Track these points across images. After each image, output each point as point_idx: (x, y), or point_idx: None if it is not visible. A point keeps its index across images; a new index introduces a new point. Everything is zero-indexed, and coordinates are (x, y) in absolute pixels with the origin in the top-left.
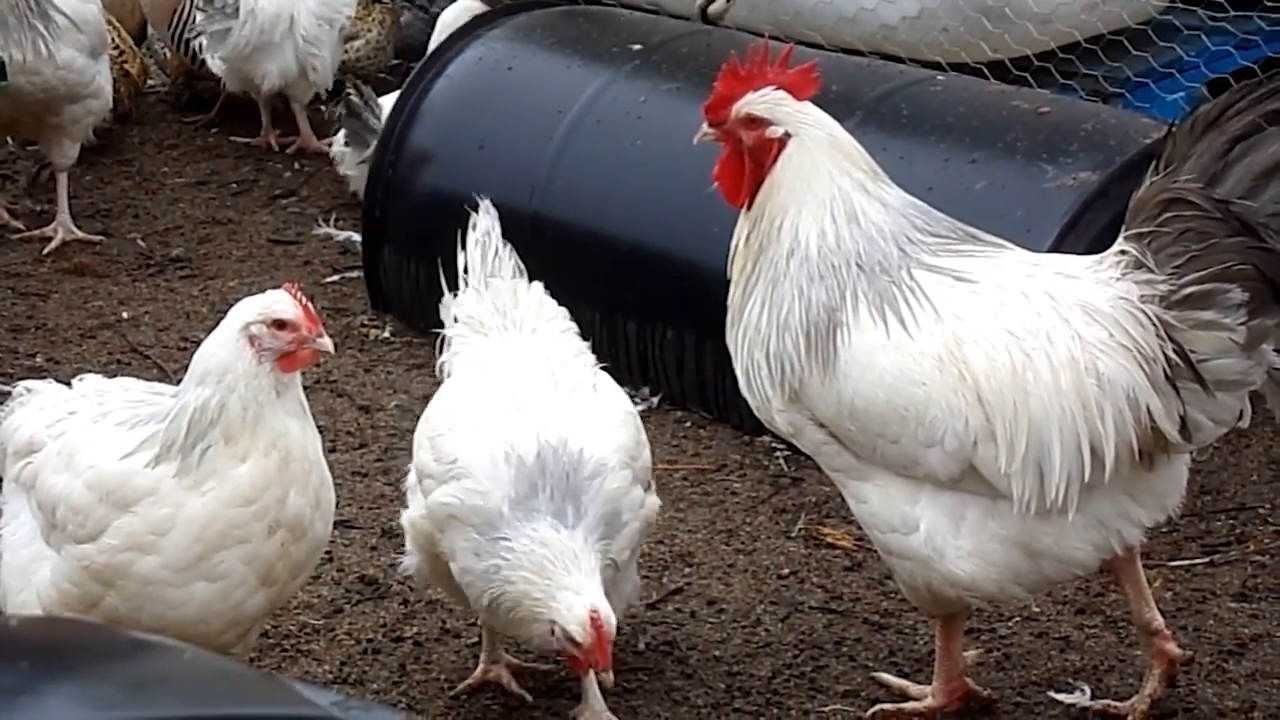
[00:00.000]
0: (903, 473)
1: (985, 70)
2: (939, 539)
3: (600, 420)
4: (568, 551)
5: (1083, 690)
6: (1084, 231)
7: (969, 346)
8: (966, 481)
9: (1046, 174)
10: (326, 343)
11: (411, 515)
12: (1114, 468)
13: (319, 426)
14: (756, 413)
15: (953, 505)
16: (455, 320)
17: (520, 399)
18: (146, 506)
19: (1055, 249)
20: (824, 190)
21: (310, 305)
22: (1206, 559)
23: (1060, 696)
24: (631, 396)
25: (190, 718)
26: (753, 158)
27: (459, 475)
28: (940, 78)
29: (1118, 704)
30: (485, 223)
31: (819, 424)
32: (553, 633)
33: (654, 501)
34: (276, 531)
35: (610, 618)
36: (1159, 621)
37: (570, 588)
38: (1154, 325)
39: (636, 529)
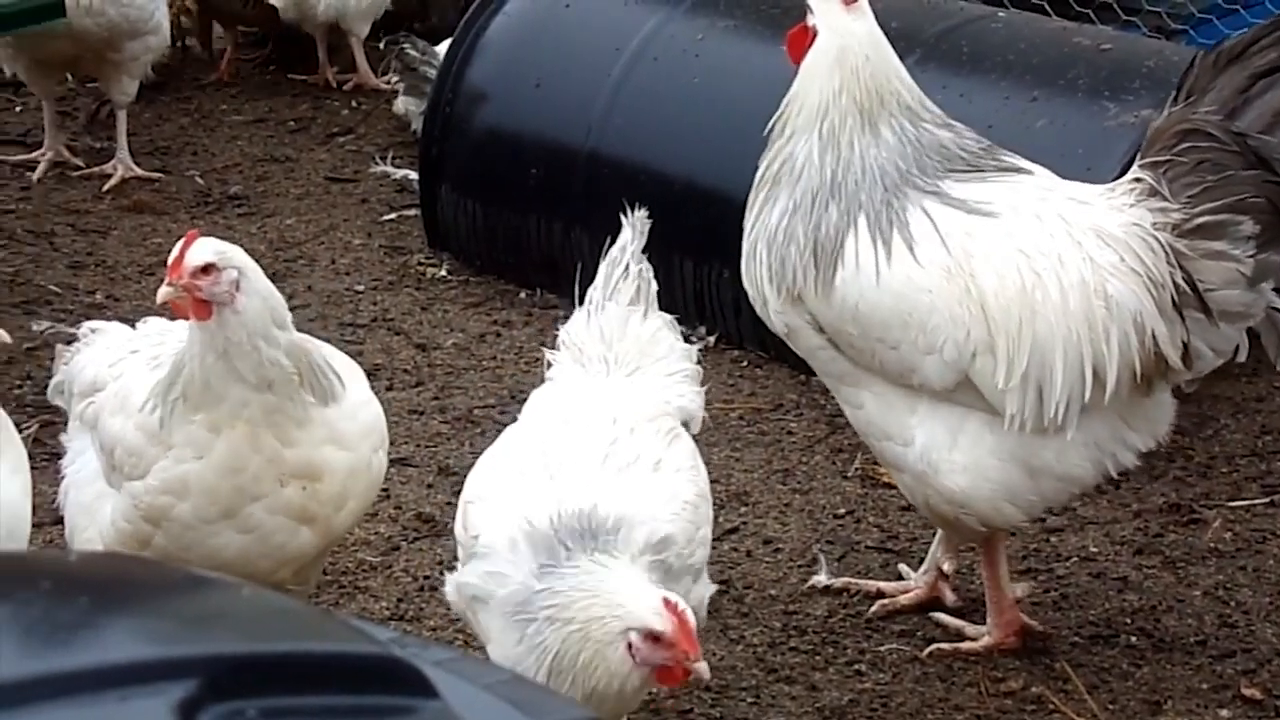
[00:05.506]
0: (898, 381)
1: (1047, 7)
2: (934, 454)
3: (645, 505)
4: (615, 569)
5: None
6: None
7: (978, 260)
8: (960, 393)
9: (1108, 111)
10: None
11: (449, 583)
12: (1115, 390)
13: (375, 364)
14: (756, 309)
15: (950, 418)
16: (562, 344)
17: (557, 467)
18: (180, 449)
19: None
20: (828, 104)
21: None
22: (1267, 499)
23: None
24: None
25: (247, 653)
26: (794, 42)
27: (480, 554)
28: (1001, 14)
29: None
30: (626, 236)
31: (818, 328)
32: (630, 648)
33: (703, 590)
34: (288, 483)
35: (682, 601)
36: (948, 566)
37: (629, 589)
38: (1165, 252)
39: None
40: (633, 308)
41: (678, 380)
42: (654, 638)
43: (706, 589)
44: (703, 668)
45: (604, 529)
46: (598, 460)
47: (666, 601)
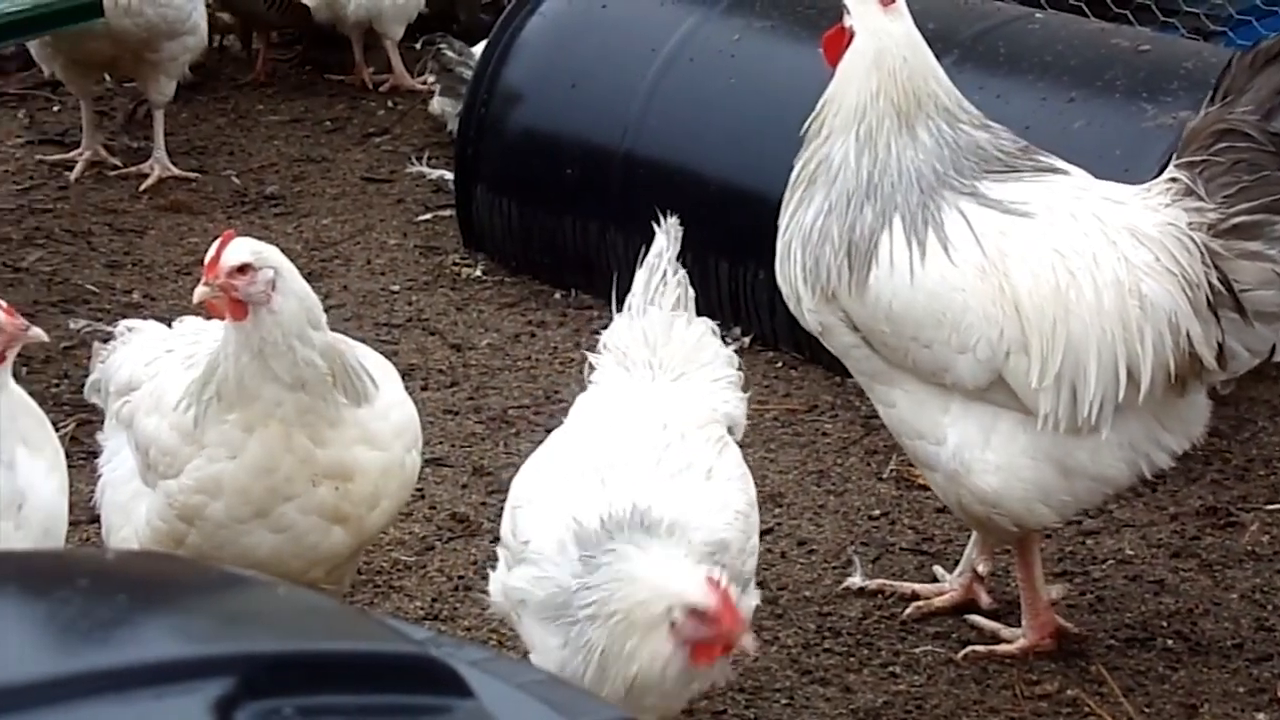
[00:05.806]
0: (930, 380)
1: (1084, 7)
2: (966, 453)
3: (699, 513)
4: (653, 552)
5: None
6: None
7: (1013, 260)
8: (993, 392)
9: (1146, 113)
10: None
11: (493, 584)
12: (1149, 390)
13: (410, 364)
14: (790, 308)
15: (983, 417)
16: (604, 347)
17: (608, 471)
18: (213, 448)
19: None
20: (865, 105)
21: None
22: None
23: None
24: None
25: (284, 652)
26: (831, 44)
27: (529, 559)
28: (1038, 15)
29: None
30: (661, 243)
31: (851, 327)
32: (673, 626)
33: (751, 600)
34: (321, 482)
35: (725, 578)
36: (984, 568)
37: (668, 568)
38: (1200, 252)
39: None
40: (675, 313)
41: (723, 386)
42: (698, 613)
43: (754, 598)
44: (749, 641)
45: (658, 530)
46: (650, 465)
47: (709, 577)
